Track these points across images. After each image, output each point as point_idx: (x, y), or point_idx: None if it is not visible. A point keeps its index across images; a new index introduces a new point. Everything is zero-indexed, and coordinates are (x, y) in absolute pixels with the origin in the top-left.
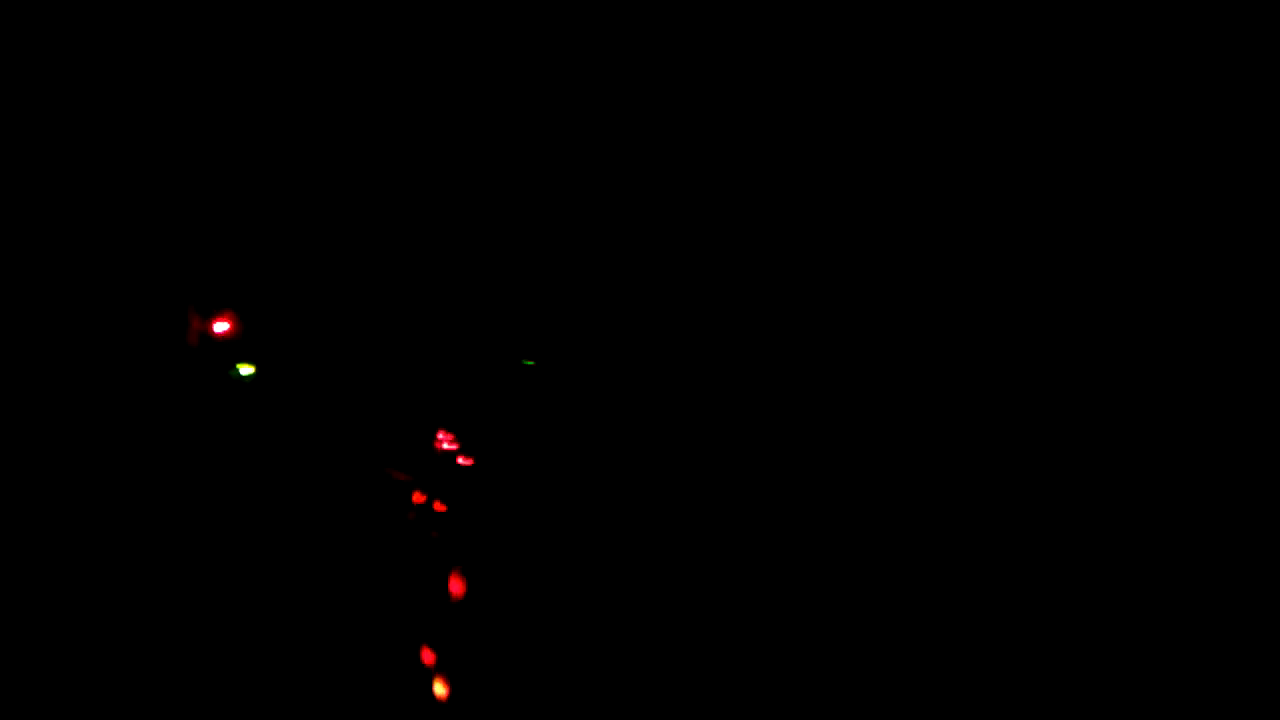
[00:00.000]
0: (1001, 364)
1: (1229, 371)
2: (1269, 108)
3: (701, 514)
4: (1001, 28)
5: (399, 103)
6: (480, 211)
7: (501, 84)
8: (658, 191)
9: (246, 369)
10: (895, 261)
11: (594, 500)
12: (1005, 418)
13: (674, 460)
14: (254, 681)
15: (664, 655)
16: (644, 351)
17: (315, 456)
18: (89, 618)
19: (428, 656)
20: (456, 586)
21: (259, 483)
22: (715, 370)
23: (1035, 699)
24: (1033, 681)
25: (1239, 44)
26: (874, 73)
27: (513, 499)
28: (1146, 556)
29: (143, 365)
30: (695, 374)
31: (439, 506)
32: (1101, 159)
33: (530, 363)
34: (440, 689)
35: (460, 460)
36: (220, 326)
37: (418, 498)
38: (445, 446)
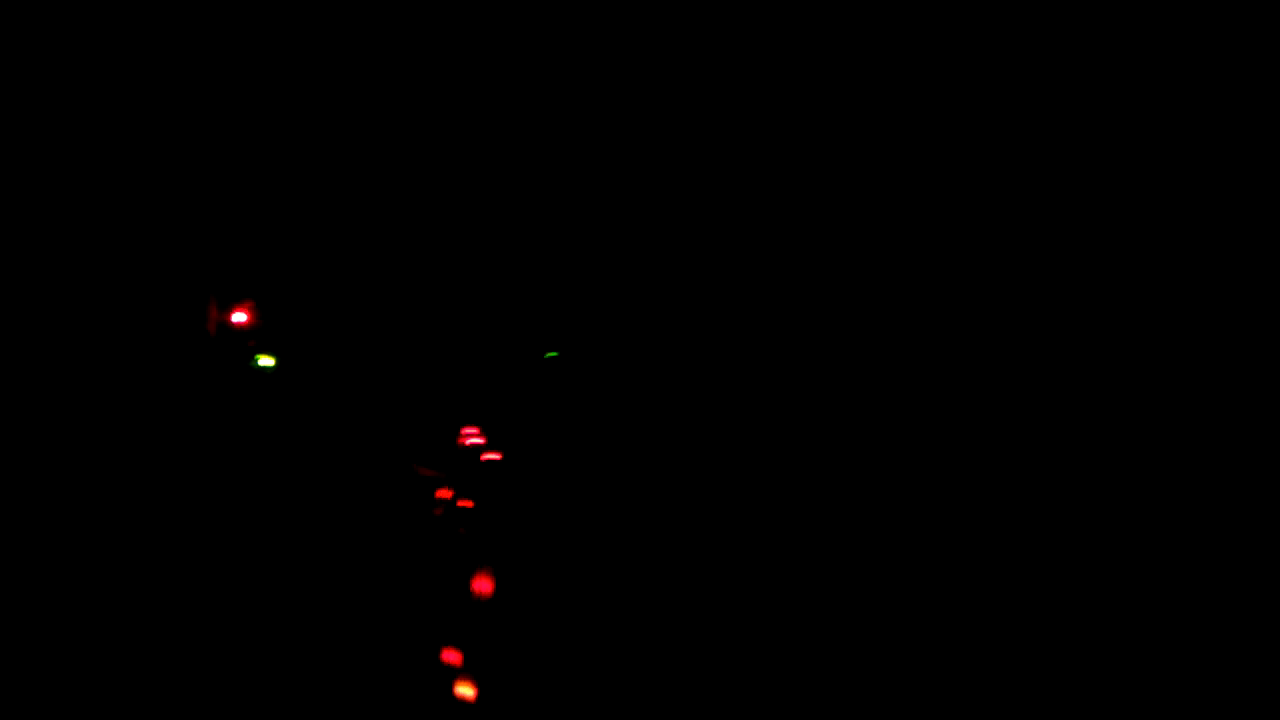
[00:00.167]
0: (1001, 364)
1: (1229, 371)
2: (1269, 108)
3: (733, 510)
4: (1002, 28)
5: (431, 98)
6: (508, 202)
7: (532, 83)
8: (684, 188)
9: (267, 360)
10: (915, 261)
11: (624, 496)
12: (1005, 417)
13: (703, 454)
14: (277, 680)
15: (693, 655)
16: (673, 343)
17: (338, 451)
18: (111, 612)
19: (453, 657)
20: (483, 585)
21: (281, 478)
22: (743, 364)
23: (1035, 698)
24: (1033, 681)
25: (1239, 44)
26: (878, 75)
27: (541, 495)
28: (1146, 555)
29: (162, 356)
30: (722, 367)
31: (465, 503)
32: (1102, 159)
33: (554, 354)
34: (466, 690)
35: (487, 455)
36: (240, 317)
37: (443, 494)
38: (471, 441)
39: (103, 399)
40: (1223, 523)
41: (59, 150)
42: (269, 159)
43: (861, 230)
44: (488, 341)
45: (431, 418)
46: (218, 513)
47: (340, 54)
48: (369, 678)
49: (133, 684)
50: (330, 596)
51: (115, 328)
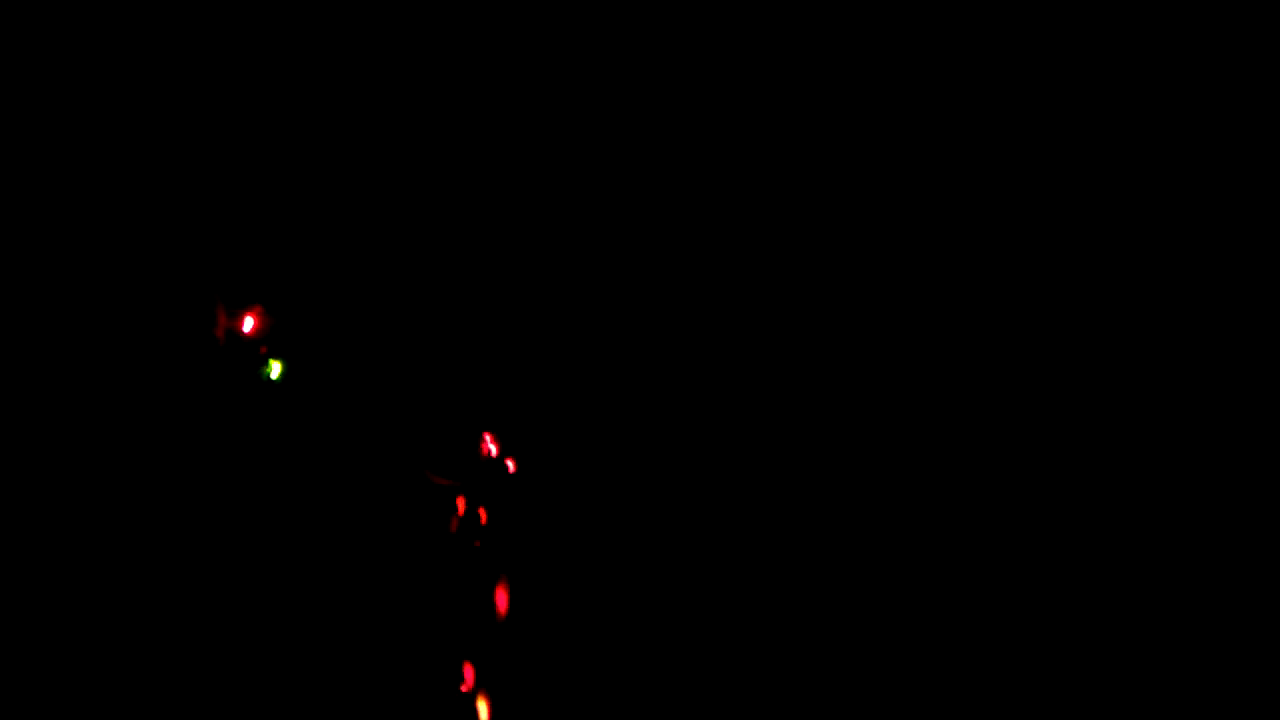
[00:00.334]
0: (1001, 363)
1: (1229, 371)
2: (1269, 108)
3: (763, 526)
4: (1002, 28)
5: (451, 102)
6: (529, 202)
7: (545, 87)
8: (706, 194)
9: (277, 366)
10: (918, 261)
11: (650, 509)
12: (1005, 417)
13: (732, 466)
14: (286, 701)
15: (721, 677)
16: (699, 351)
17: (350, 460)
18: (110, 631)
19: (470, 675)
20: (502, 600)
21: (290, 488)
22: (768, 372)
23: (1035, 698)
24: (1032, 680)
25: (1239, 44)
26: (878, 74)
27: (563, 507)
28: (1146, 555)
29: (168, 363)
30: (748, 375)
31: (483, 514)
32: (1103, 160)
33: (573, 358)
34: (483, 709)
35: (507, 465)
36: (249, 323)
37: (460, 504)
38: (491, 449)
39: (107, 410)
40: (1223, 523)
41: (62, 155)
42: (280, 160)
43: (867, 231)
44: (509, 343)
45: (449, 424)
46: (223, 523)
47: (358, 56)
48: (382, 697)
49: (139, 704)
50: (340, 611)
51: (120, 336)
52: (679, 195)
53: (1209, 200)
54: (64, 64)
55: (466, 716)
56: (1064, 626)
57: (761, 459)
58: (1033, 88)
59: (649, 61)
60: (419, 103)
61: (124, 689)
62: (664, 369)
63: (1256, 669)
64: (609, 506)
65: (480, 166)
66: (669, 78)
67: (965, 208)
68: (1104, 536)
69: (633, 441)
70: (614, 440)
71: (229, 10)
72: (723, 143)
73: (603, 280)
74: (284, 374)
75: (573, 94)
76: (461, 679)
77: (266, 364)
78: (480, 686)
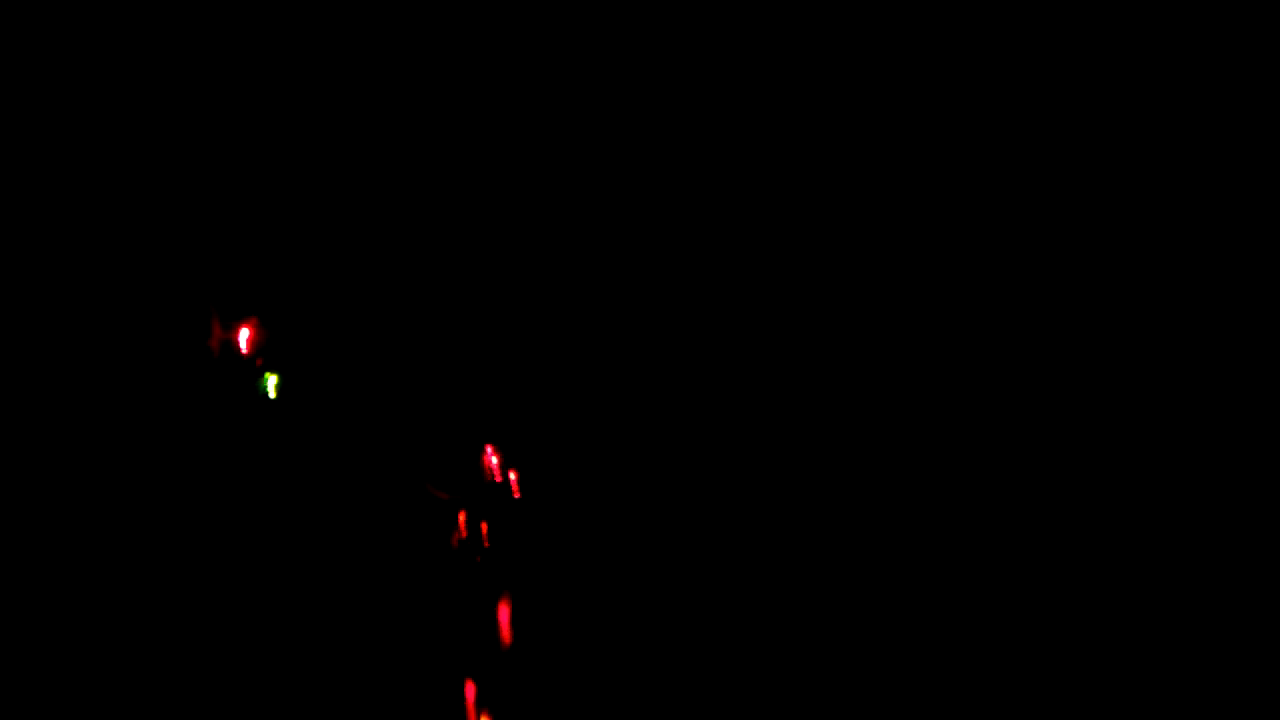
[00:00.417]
0: (1002, 364)
1: (1229, 372)
2: (1269, 108)
3: (765, 536)
4: (1002, 28)
5: (451, 111)
6: (529, 217)
7: (545, 95)
8: (718, 204)
9: (273, 379)
10: (920, 261)
11: (651, 524)
12: (1006, 417)
13: (733, 479)
14: (289, 715)
15: (722, 690)
16: (700, 364)
17: (348, 473)
18: (106, 647)
19: (472, 692)
20: (504, 616)
21: (289, 503)
22: (769, 388)
23: (1036, 699)
24: (1033, 681)
25: (1239, 44)
26: (878, 74)
27: (567, 522)
28: (1146, 556)
29: (162, 376)
30: (750, 391)
31: (485, 529)
32: (1102, 160)
33: (574, 373)
34: None
35: (510, 477)
36: (244, 336)
37: (462, 519)
38: (494, 462)
39: (101, 424)
40: (1223, 523)
41: (54, 163)
42: (275, 174)
43: (868, 232)
44: (512, 354)
45: (450, 436)
46: (219, 538)
47: (357, 63)
48: (385, 707)
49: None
50: (339, 628)
51: (113, 348)
52: (678, 213)
53: (1209, 200)
54: (61, 79)
55: None
56: (1064, 626)
57: (763, 470)
58: (1033, 88)
59: (648, 66)
60: (415, 119)
61: (118, 707)
62: (665, 384)
63: (1256, 668)
64: (609, 521)
65: (480, 183)
66: (668, 83)
67: (965, 208)
68: (1104, 536)
69: (633, 456)
70: (615, 455)
71: (223, 25)
72: (721, 152)
73: (603, 296)
74: (280, 388)
75: (567, 109)
76: (464, 696)
77: (262, 378)
78: (482, 704)
